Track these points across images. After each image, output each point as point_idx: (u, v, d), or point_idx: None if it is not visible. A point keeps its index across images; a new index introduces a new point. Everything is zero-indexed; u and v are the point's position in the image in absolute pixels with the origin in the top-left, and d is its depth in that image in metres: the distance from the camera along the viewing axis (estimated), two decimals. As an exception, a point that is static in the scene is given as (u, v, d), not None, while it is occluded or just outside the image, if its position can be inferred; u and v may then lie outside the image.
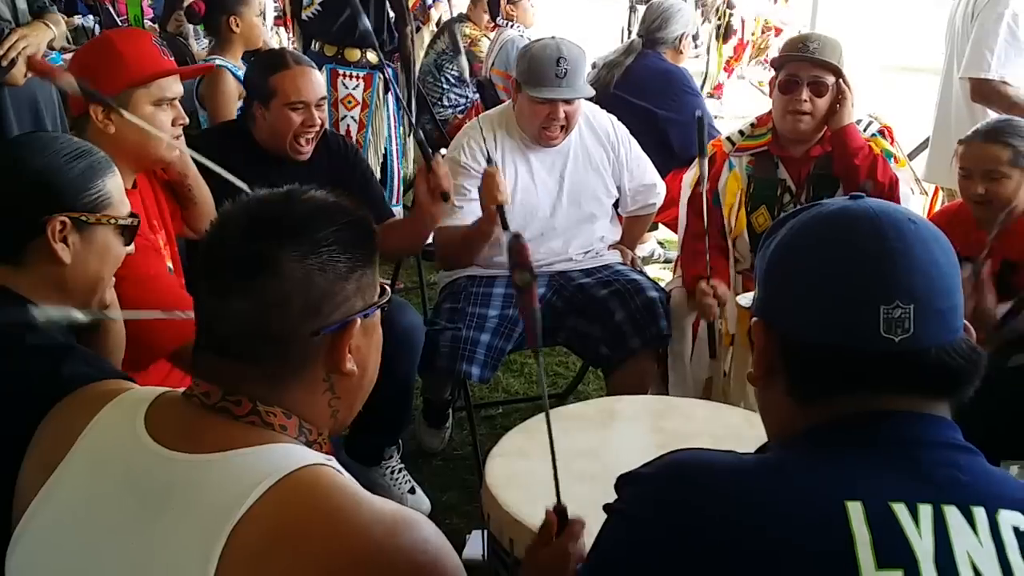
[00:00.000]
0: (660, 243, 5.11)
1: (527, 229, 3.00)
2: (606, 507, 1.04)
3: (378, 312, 1.16)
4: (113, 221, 1.55)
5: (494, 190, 2.58)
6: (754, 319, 1.08)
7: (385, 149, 4.02)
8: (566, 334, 3.06)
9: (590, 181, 3.07)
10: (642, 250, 4.87)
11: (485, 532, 2.00)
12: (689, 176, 3.12)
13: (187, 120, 2.22)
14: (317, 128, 2.69)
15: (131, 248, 1.62)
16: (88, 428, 1.10)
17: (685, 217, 3.09)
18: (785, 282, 1.04)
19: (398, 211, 3.99)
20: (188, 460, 1.03)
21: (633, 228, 3.34)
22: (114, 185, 1.56)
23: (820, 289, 1.00)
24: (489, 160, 2.67)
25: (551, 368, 3.83)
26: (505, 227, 2.53)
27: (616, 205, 3.22)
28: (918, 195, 3.15)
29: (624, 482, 1.03)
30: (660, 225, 4.41)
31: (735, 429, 2.16)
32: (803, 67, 2.80)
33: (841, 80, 2.81)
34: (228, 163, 2.36)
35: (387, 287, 1.17)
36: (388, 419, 2.78)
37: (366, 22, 2.59)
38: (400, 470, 2.92)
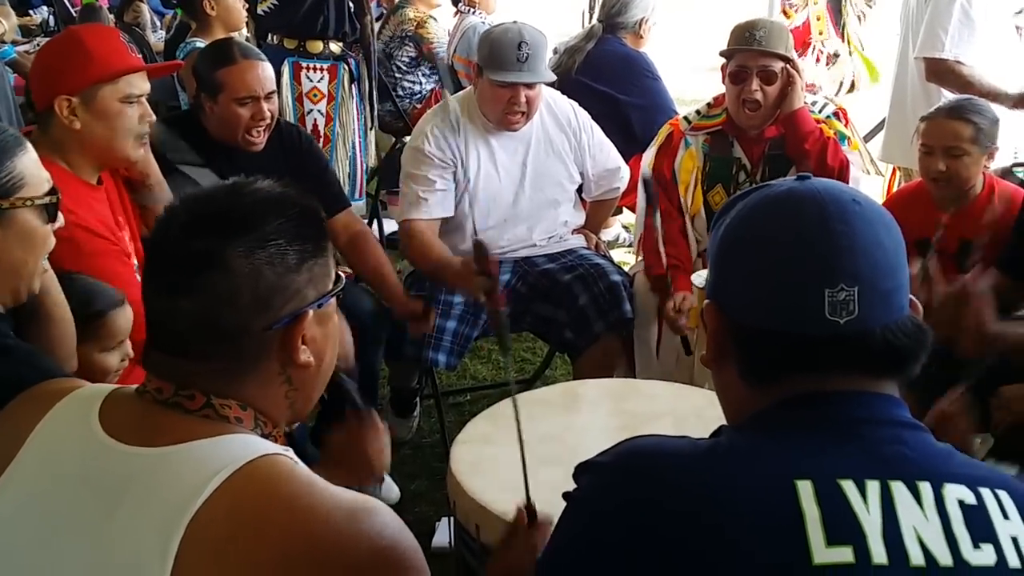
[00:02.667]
0: (625, 227, 5.13)
1: (490, 216, 3.01)
2: (565, 495, 1.05)
3: (333, 300, 1.15)
4: (30, 203, 1.49)
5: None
6: (706, 302, 1.09)
7: (351, 141, 4.00)
8: (531, 319, 3.07)
9: (552, 167, 3.07)
10: (607, 234, 4.89)
11: (452, 519, 2.01)
12: (648, 156, 3.14)
13: (154, 117, 2.20)
14: (268, 121, 2.67)
15: (60, 222, 1.56)
16: (39, 426, 1.09)
17: (642, 197, 3.12)
18: (733, 265, 1.06)
19: (359, 205, 3.97)
20: (144, 454, 1.03)
21: (597, 213, 3.35)
22: (27, 163, 1.50)
23: (766, 273, 1.01)
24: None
25: (518, 354, 3.84)
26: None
27: (580, 190, 3.24)
28: (873, 176, 3.19)
29: (581, 471, 1.04)
30: (624, 209, 4.43)
31: (698, 410, 2.17)
32: (751, 57, 2.83)
33: (789, 66, 2.83)
34: (180, 155, 2.34)
35: (341, 274, 1.16)
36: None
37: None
38: (368, 459, 2.91)
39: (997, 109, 2.80)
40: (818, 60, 5.16)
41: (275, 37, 3.89)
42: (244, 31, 4.50)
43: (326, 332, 1.15)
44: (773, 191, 1.05)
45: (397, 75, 5.27)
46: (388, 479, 2.90)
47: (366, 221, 3.77)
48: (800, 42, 5.45)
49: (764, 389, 1.02)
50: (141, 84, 2.13)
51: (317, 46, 3.84)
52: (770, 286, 1.00)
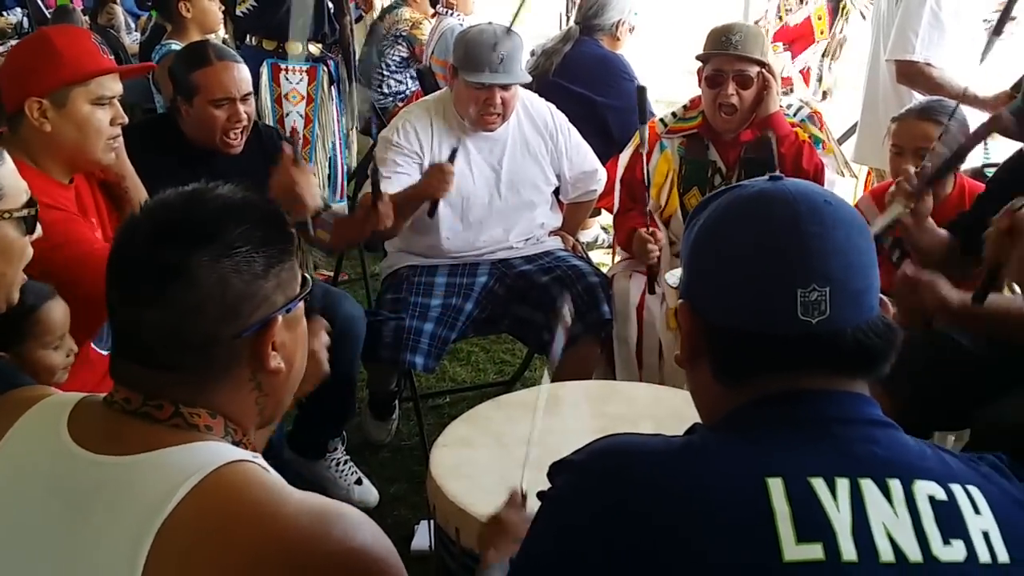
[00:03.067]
0: (604, 228, 5.15)
1: (465, 216, 3.02)
2: (539, 495, 1.06)
3: (301, 305, 1.15)
4: (8, 215, 1.48)
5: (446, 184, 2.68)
6: (680, 301, 1.10)
7: (331, 143, 3.99)
8: (509, 321, 3.08)
9: (528, 169, 3.08)
10: (586, 236, 4.91)
11: (432, 522, 2.01)
12: (625, 155, 3.17)
13: (126, 119, 2.19)
14: (244, 123, 2.66)
15: (38, 233, 1.55)
16: (8, 435, 1.09)
17: (619, 194, 3.14)
18: (706, 266, 1.07)
19: (341, 206, 3.96)
20: (113, 462, 1.02)
21: (574, 214, 3.37)
22: (5, 174, 1.48)
23: (738, 273, 1.02)
24: (452, 157, 2.71)
25: (498, 356, 3.86)
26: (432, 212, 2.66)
27: (556, 192, 3.25)
28: (847, 178, 3.22)
29: (556, 470, 1.05)
30: (603, 211, 4.44)
31: (677, 411, 2.19)
32: (727, 61, 2.86)
33: (765, 70, 2.86)
34: (156, 158, 2.33)
35: (308, 277, 1.16)
36: (331, 412, 2.79)
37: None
38: (346, 462, 2.92)
39: (966, 111, 2.83)
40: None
41: (254, 39, 3.88)
42: (221, 33, 4.49)
43: (295, 336, 1.15)
44: (745, 192, 1.06)
45: (385, 73, 5.27)
46: (367, 482, 2.90)
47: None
48: (801, 38, 5.49)
49: (737, 388, 1.03)
50: (113, 86, 2.12)
51: (296, 48, 3.83)
52: (742, 286, 1.01)
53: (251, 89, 2.70)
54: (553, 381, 2.90)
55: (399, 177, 2.93)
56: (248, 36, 3.92)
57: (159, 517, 0.95)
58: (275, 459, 2.07)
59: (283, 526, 0.96)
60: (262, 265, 1.07)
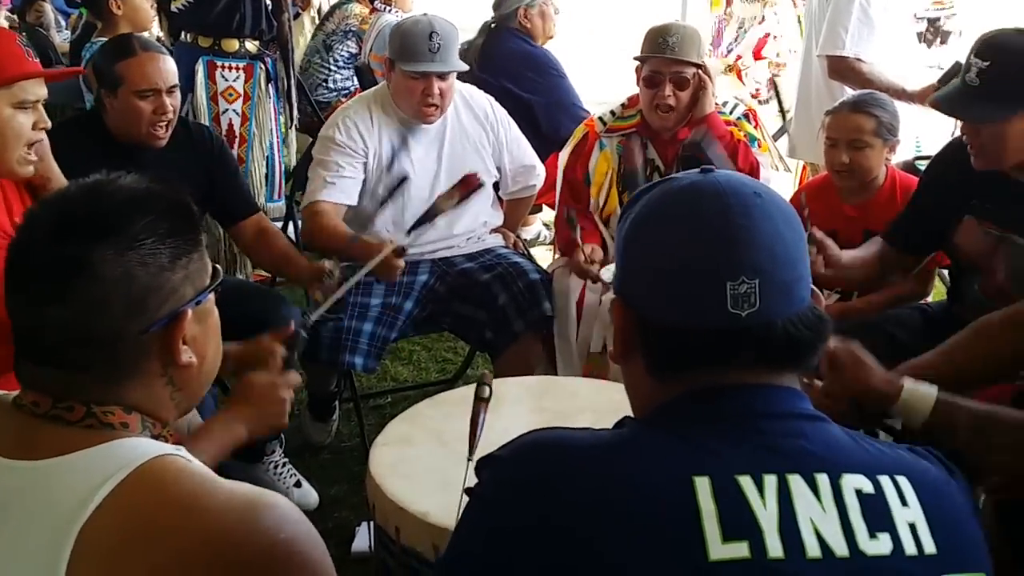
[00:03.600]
0: (546, 225, 5.15)
1: (407, 210, 2.99)
2: (466, 491, 1.05)
3: (212, 296, 1.12)
4: None
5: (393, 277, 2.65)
6: (613, 297, 1.10)
7: (268, 142, 3.94)
8: (451, 319, 3.07)
9: (469, 161, 3.06)
10: (529, 232, 4.91)
11: (372, 523, 1.99)
12: (564, 154, 3.17)
13: (49, 124, 2.12)
14: (170, 116, 2.61)
15: None
16: None
17: (560, 194, 3.14)
18: (637, 260, 1.06)
19: (279, 206, 3.92)
20: (27, 467, 0.99)
21: (515, 211, 3.36)
22: None
23: (669, 267, 1.02)
24: (401, 252, 2.64)
25: (440, 354, 3.84)
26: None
27: (496, 188, 3.24)
28: (782, 173, 3.26)
29: (483, 465, 1.04)
30: (544, 207, 4.45)
31: (617, 404, 2.18)
32: (664, 63, 2.87)
33: (700, 71, 2.88)
34: (82, 155, 2.27)
35: (218, 268, 1.14)
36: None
37: None
38: (284, 464, 2.88)
39: (897, 105, 2.89)
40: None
41: (189, 35, 3.81)
42: (156, 30, 4.41)
43: (207, 329, 1.12)
44: (676, 185, 1.06)
45: (332, 68, 5.22)
46: (307, 485, 2.87)
47: (282, 223, 3.71)
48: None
49: (668, 383, 1.03)
50: (37, 90, 2.06)
51: (232, 45, 3.77)
52: (673, 280, 1.01)
53: (177, 82, 2.64)
54: (497, 378, 2.92)
55: (344, 182, 2.90)
56: (183, 33, 3.85)
57: (77, 522, 0.92)
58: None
59: (209, 519, 0.94)
60: (168, 257, 1.04)
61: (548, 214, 4.97)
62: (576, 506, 0.93)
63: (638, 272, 1.06)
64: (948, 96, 2.25)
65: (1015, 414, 1.57)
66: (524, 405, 2.35)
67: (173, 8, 3.81)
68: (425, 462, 1.99)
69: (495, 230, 3.23)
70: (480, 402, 1.68)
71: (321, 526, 2.71)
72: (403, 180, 2.82)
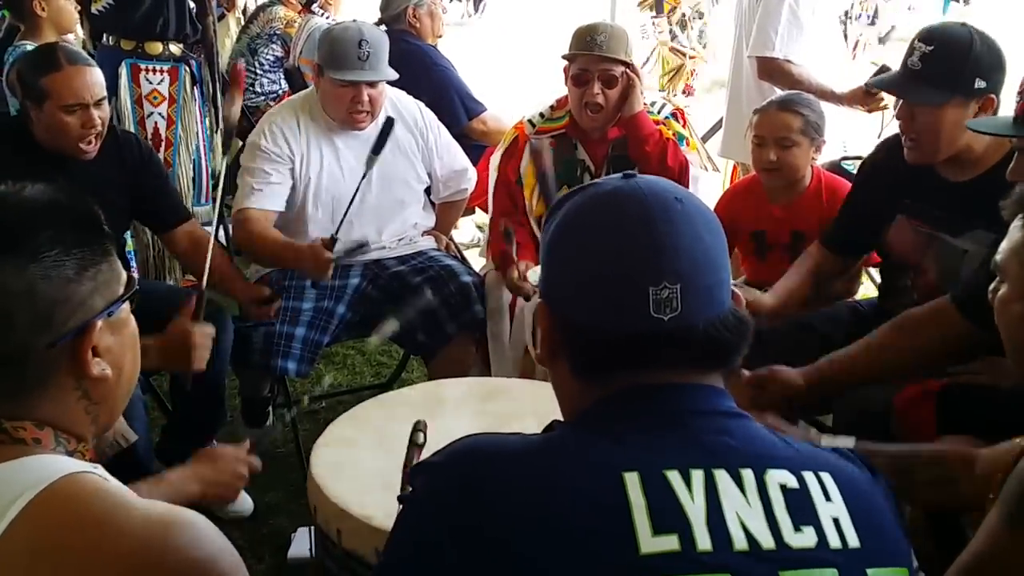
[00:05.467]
0: (479, 227, 5.14)
1: (336, 216, 2.96)
2: (400, 498, 1.04)
3: (126, 306, 1.09)
4: None
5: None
6: (538, 301, 1.10)
7: (195, 145, 3.86)
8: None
9: (400, 167, 3.05)
10: (463, 236, 4.90)
11: (312, 527, 1.96)
12: (496, 158, 3.17)
13: None
14: (99, 129, 2.55)
15: None
16: None
17: (493, 198, 3.14)
18: (561, 265, 1.07)
19: (206, 209, 3.84)
20: None
21: (447, 214, 3.35)
22: None
23: (592, 271, 1.02)
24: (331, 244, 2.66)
25: (374, 358, 3.81)
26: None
27: (428, 191, 3.22)
28: (711, 172, 3.31)
29: (416, 472, 1.03)
30: (477, 209, 4.44)
31: (558, 407, 2.20)
32: (593, 61, 2.88)
33: (629, 70, 2.90)
34: (6, 163, 2.21)
35: (133, 277, 1.10)
36: (199, 422, 2.70)
37: None
38: (216, 473, 2.82)
39: (825, 106, 2.95)
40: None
41: (111, 38, 3.73)
42: (80, 32, 4.29)
43: (122, 340, 1.09)
44: (599, 190, 1.07)
45: (259, 72, 5.14)
46: (242, 491, 2.81)
47: (212, 227, 3.63)
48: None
49: (594, 385, 1.03)
50: None
51: (156, 47, 3.70)
52: (596, 285, 1.02)
53: (105, 94, 2.58)
54: (431, 380, 2.91)
55: (271, 188, 2.87)
56: (105, 36, 3.76)
57: None
58: (143, 471, 2.01)
59: (125, 537, 0.91)
60: (74, 268, 1.01)
61: (482, 217, 4.97)
62: (508, 511, 0.93)
63: (562, 277, 1.06)
64: (890, 79, 2.34)
65: (931, 449, 1.61)
66: (468, 407, 2.34)
67: (94, 10, 3.72)
68: (367, 464, 1.96)
69: (427, 233, 3.21)
70: (414, 447, 1.67)
71: (257, 533, 2.72)
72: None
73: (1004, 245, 1.36)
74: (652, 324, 0.99)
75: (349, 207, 2.74)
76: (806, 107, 2.72)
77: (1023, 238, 1.33)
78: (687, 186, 2.98)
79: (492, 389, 2.44)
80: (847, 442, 1.62)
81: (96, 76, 2.54)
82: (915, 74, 2.18)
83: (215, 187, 4.03)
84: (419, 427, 1.72)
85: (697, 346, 1.01)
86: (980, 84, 2.12)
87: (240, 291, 2.83)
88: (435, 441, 2.00)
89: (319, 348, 2.91)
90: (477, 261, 3.89)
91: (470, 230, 5.12)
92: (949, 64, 2.13)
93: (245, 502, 2.79)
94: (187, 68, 3.78)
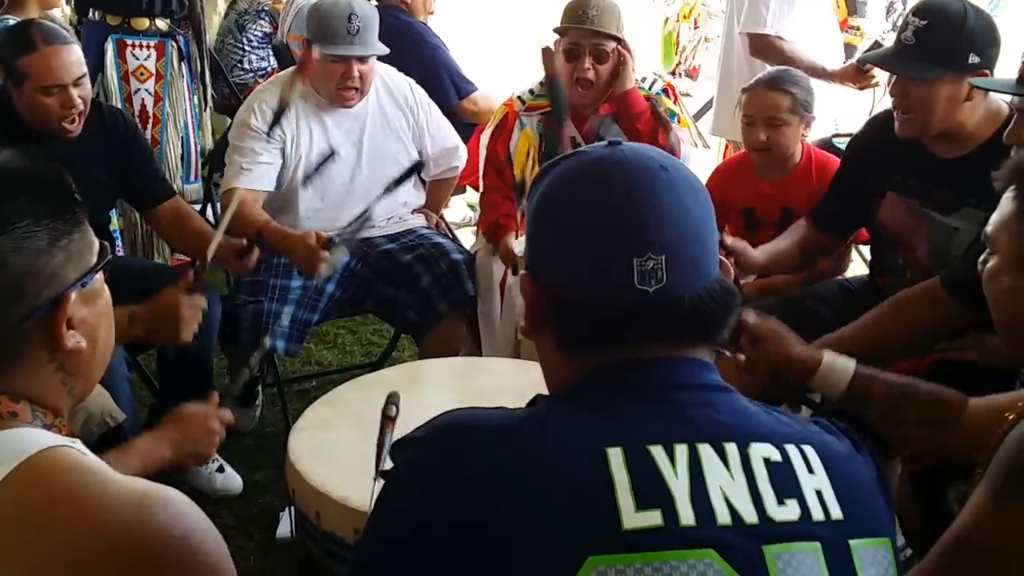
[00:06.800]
0: (470, 206, 5.12)
1: (326, 195, 2.95)
2: (382, 473, 1.03)
3: (100, 276, 1.07)
4: None
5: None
6: (522, 272, 1.08)
7: (183, 122, 3.83)
8: (374, 301, 3.03)
9: (390, 145, 3.02)
10: (455, 215, 4.88)
11: (292, 508, 1.96)
12: (487, 134, 3.15)
13: None
14: (80, 108, 2.51)
15: None
16: None
17: (483, 172, 3.12)
18: (545, 235, 1.05)
19: (196, 187, 3.82)
20: None
21: (437, 192, 3.33)
22: None
23: (576, 242, 1.01)
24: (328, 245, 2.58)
25: (365, 337, 3.80)
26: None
27: (419, 169, 3.19)
28: (701, 149, 3.29)
29: (398, 447, 1.02)
30: (468, 188, 4.42)
31: (538, 385, 2.19)
32: (584, 35, 2.85)
33: (620, 46, 2.87)
34: None
35: (106, 245, 1.09)
36: (187, 399, 2.67)
37: None
38: (206, 449, 2.82)
39: (817, 84, 2.93)
40: None
41: (97, 13, 3.68)
42: (65, 7, 4.25)
43: (97, 311, 1.07)
44: (583, 159, 1.05)
45: (247, 48, 5.10)
46: (230, 469, 2.81)
47: (200, 205, 3.61)
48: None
49: (580, 358, 1.02)
50: None
51: (143, 23, 3.65)
52: (580, 255, 1.00)
53: (84, 71, 2.53)
54: (421, 359, 2.91)
55: (261, 168, 2.84)
56: (91, 11, 3.72)
57: None
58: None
59: (101, 514, 0.90)
60: (46, 240, 0.99)
61: (473, 195, 4.95)
62: (491, 485, 0.92)
63: (546, 247, 1.05)
64: (884, 54, 2.33)
65: (928, 388, 1.60)
66: (447, 386, 2.34)
67: (79, -16, 3.68)
68: (345, 446, 1.96)
69: (417, 211, 3.20)
70: (386, 421, 1.66)
71: (246, 512, 2.72)
72: (330, 155, 2.77)
73: (995, 217, 1.35)
74: (637, 296, 0.97)
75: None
76: (794, 85, 2.70)
77: (1014, 210, 1.31)
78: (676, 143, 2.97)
79: (472, 367, 2.44)
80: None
81: (74, 54, 2.50)
82: (909, 49, 2.16)
83: (204, 165, 4.01)
84: (392, 400, 1.72)
85: (683, 318, 0.99)
86: (974, 59, 2.10)
87: (221, 251, 2.69)
88: (415, 418, 2.01)
89: (308, 327, 2.90)
90: (469, 240, 3.87)
91: (461, 209, 5.10)
92: (943, 39, 2.12)
93: (234, 480, 2.79)
94: (174, 44, 3.73)
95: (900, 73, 2.21)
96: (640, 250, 0.97)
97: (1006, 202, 1.33)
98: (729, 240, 2.35)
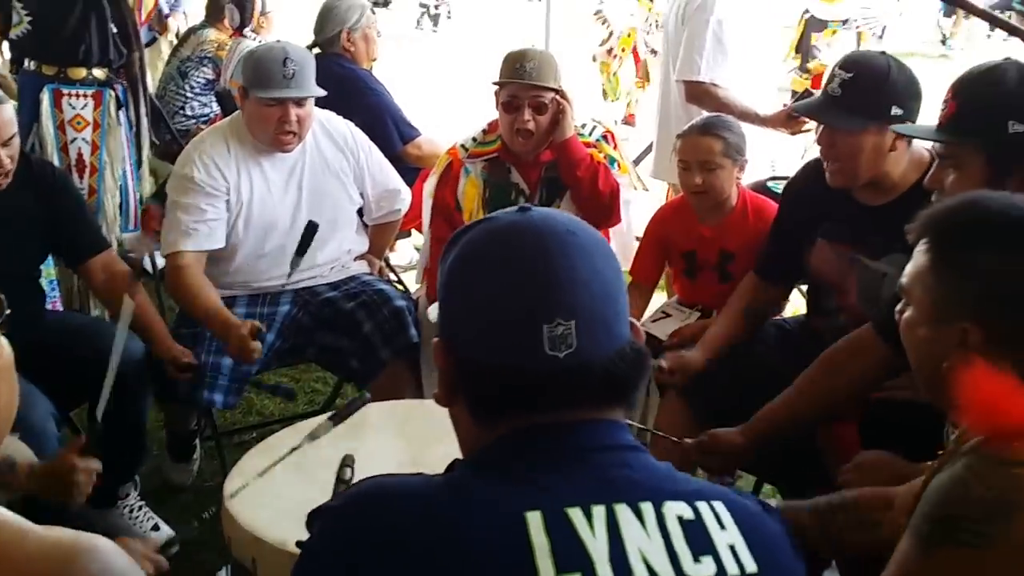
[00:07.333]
0: (417, 249, 5.10)
1: (267, 242, 2.91)
2: (298, 544, 1.02)
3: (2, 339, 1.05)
4: None
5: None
6: (435, 339, 1.08)
7: (121, 170, 3.78)
8: (316, 350, 3.00)
9: (331, 188, 3.00)
10: (400, 258, 4.86)
11: (230, 564, 1.92)
12: (431, 182, 3.15)
13: None
14: (8, 167, 2.45)
15: None
16: None
17: (429, 223, 3.12)
18: (457, 301, 1.05)
19: (134, 235, 3.76)
20: None
21: (380, 237, 3.31)
22: None
23: (487, 308, 1.01)
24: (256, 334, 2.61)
25: (308, 384, 3.75)
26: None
27: (361, 213, 3.19)
28: (641, 192, 3.33)
29: (313, 517, 1.01)
30: (414, 231, 4.41)
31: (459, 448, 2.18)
32: (522, 88, 2.88)
33: (559, 96, 2.91)
34: None
35: (3, 299, 1.07)
36: (119, 460, 2.61)
37: None
38: (140, 508, 2.76)
39: (753, 128, 2.98)
40: None
41: (33, 63, 3.63)
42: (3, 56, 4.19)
43: None
44: (494, 224, 1.06)
45: (189, 95, 5.08)
46: (165, 527, 2.75)
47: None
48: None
49: (493, 424, 1.02)
50: None
51: (79, 72, 3.60)
52: (492, 322, 1.00)
53: (15, 130, 2.46)
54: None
55: (209, 226, 2.79)
56: (26, 61, 3.67)
57: None
58: (62, 508, 1.95)
59: (20, 566, 0.87)
60: None
61: (419, 239, 4.93)
62: (409, 556, 0.91)
63: (458, 314, 1.05)
64: (812, 104, 2.38)
65: (847, 495, 1.64)
66: (388, 430, 2.32)
67: (12, 35, 3.62)
68: (282, 491, 1.94)
69: (360, 257, 3.18)
70: (340, 484, 1.63)
71: (181, 569, 2.65)
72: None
73: (909, 268, 1.38)
74: (548, 362, 0.97)
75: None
76: (726, 130, 2.75)
77: (927, 262, 1.34)
78: (618, 209, 3.01)
79: (412, 411, 2.42)
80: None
81: (4, 114, 2.44)
82: (835, 100, 2.23)
83: (143, 214, 3.95)
84: (347, 462, 1.69)
85: (595, 383, 0.99)
86: (897, 111, 2.17)
87: (160, 349, 2.67)
88: (358, 464, 1.98)
89: (247, 378, 2.85)
90: (416, 285, 3.86)
91: (408, 252, 5.08)
92: (867, 91, 2.18)
93: (168, 536, 2.72)
94: (112, 92, 3.69)
95: (826, 124, 2.27)
96: (549, 316, 0.97)
97: (919, 254, 1.36)
98: (665, 364, 2.46)
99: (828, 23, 7.93)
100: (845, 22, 8.01)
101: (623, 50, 8.20)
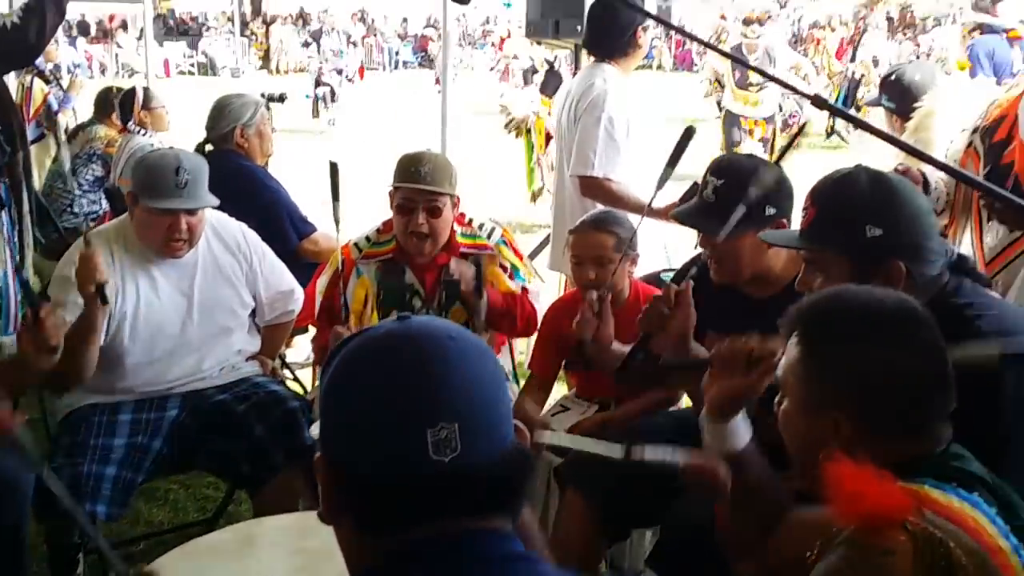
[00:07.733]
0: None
1: (154, 348, 2.83)
2: None
3: None
4: None
5: (92, 271, 2.50)
6: (316, 456, 1.05)
7: (2, 271, 3.64)
8: (205, 456, 2.89)
9: (222, 293, 2.95)
10: (298, 355, 4.78)
11: None
12: (323, 281, 3.12)
13: None
14: None
15: None
16: None
17: (319, 320, 3.08)
18: (338, 415, 1.04)
19: (11, 339, 3.61)
20: None
21: (273, 337, 3.24)
22: None
23: (369, 420, 1.00)
24: (88, 242, 2.54)
25: (199, 491, 3.61)
26: (104, 301, 2.53)
27: (253, 315, 3.13)
28: (539, 282, 3.36)
29: None
30: (311, 327, 4.34)
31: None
32: (417, 192, 2.89)
33: (453, 200, 2.94)
34: None
35: None
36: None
37: None
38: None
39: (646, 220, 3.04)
40: None
41: (-95, 158, 3.50)
42: None
43: None
44: (372, 336, 1.06)
45: (77, 193, 4.97)
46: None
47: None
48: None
49: (381, 539, 1.00)
50: None
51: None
52: (374, 432, 0.99)
53: None
54: (256, 515, 2.77)
55: None
56: (-99, 156, 3.54)
57: None
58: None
59: None
60: None
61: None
62: None
63: (339, 428, 1.04)
64: (688, 211, 2.45)
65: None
66: (282, 547, 2.24)
67: None
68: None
69: (252, 357, 3.11)
70: None
71: None
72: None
73: (783, 361, 1.42)
74: (433, 467, 0.96)
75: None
76: (617, 225, 2.81)
77: (798, 354, 1.39)
78: (535, 326, 3.03)
79: (308, 525, 2.33)
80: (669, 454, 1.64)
81: None
82: (710, 206, 2.32)
83: (24, 316, 3.80)
84: None
85: (480, 487, 0.99)
86: (771, 211, 2.27)
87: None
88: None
89: (133, 487, 2.73)
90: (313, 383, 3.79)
91: (305, 348, 4.99)
92: (740, 196, 2.23)
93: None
94: (-9, 191, 3.58)
95: (703, 231, 2.34)
96: (433, 420, 0.97)
97: (791, 347, 1.41)
98: (521, 425, 2.42)
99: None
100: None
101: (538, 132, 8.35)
